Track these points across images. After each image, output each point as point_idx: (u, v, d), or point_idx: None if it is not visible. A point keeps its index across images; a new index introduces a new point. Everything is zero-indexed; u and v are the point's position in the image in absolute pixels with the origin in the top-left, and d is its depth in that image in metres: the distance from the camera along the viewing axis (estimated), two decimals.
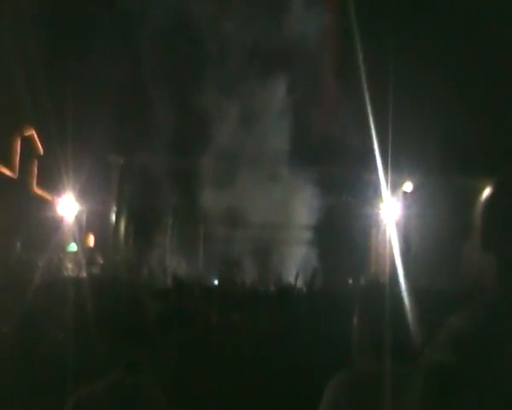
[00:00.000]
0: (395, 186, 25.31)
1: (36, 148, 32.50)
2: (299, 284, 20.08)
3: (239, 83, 25.97)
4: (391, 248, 24.39)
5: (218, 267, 25.73)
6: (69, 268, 23.77)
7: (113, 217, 30.46)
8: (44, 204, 30.91)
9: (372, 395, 2.72)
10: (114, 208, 30.46)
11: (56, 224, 27.54)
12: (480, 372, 1.97)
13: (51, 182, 29.14)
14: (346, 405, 2.85)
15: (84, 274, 19.18)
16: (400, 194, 26.76)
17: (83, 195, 27.95)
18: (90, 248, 29.11)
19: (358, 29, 19.99)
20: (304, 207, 27.70)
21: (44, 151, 32.38)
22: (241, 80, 25.90)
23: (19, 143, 30.47)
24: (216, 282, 18.06)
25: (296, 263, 26.11)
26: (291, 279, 21.95)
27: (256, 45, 26.25)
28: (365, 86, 19.59)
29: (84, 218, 29.76)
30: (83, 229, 29.50)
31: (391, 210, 26.46)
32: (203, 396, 4.62)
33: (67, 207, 28.13)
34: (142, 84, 25.66)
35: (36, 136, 31.97)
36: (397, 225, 25.31)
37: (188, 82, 25.52)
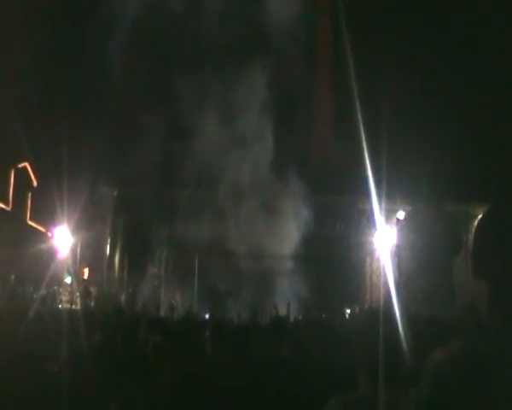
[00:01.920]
0: (389, 214, 25.35)
1: (30, 180, 32.52)
2: (291, 314, 20.05)
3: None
4: (385, 276, 24.39)
5: (211, 300, 25.71)
6: (64, 300, 23.77)
7: (108, 249, 30.41)
8: (39, 236, 30.88)
9: None
10: (108, 240, 30.42)
11: (51, 256, 27.48)
12: None
13: (45, 214, 29.12)
14: None
15: (78, 306, 19.17)
16: (394, 222, 26.80)
17: (77, 227, 27.90)
18: (84, 280, 29.04)
19: (352, 58, 20.11)
20: (298, 237, 27.69)
21: (38, 183, 32.40)
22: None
23: (12, 175, 30.48)
24: (207, 316, 18.05)
25: (290, 294, 26.07)
26: (284, 310, 21.96)
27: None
28: (359, 114, 19.68)
29: (79, 250, 29.71)
30: (77, 261, 29.44)
31: (385, 238, 26.48)
32: None
33: (62, 239, 28.07)
34: (132, 113, 25.73)
35: (30, 168, 32.01)
36: (391, 252, 25.32)
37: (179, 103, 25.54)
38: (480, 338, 2.17)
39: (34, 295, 21.66)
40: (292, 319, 17.66)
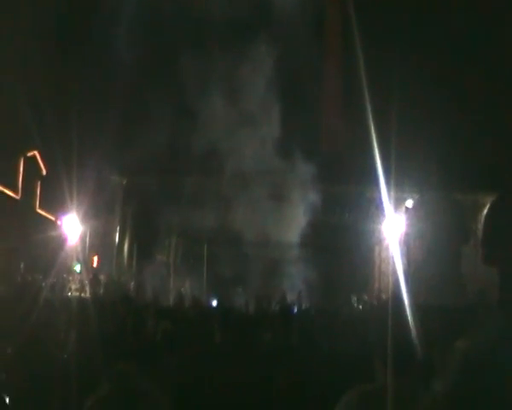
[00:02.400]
0: (398, 203, 25.32)
1: (39, 169, 32.59)
2: (302, 302, 20.10)
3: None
4: (393, 265, 24.38)
5: (220, 288, 25.76)
6: (73, 288, 23.84)
7: (117, 237, 30.46)
8: (48, 225, 30.95)
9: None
10: (117, 229, 30.46)
11: (60, 244, 27.54)
12: (492, 397, 1.99)
13: (54, 202, 29.17)
14: None
15: (87, 294, 19.22)
16: (403, 210, 26.76)
17: (86, 215, 27.93)
18: (93, 268, 29.11)
19: (360, 48, 20.05)
20: (306, 225, 27.66)
21: (47, 172, 32.46)
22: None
23: (22, 164, 30.55)
24: (215, 302, 18.07)
25: (298, 282, 26.11)
26: (292, 298, 21.97)
27: None
28: (368, 103, 19.63)
29: (88, 238, 29.76)
30: (86, 249, 29.51)
31: (393, 227, 26.45)
32: None
33: (71, 227, 28.12)
34: (141, 101, 25.73)
35: (39, 157, 32.07)
36: (399, 241, 25.31)
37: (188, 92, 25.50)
38: (504, 324, 2.15)
39: (43, 284, 21.72)
40: (301, 307, 17.72)
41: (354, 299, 23.92)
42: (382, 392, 2.82)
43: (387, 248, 27.94)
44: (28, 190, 31.27)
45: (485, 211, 26.89)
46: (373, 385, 2.94)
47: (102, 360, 4.57)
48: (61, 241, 28.00)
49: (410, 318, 3.00)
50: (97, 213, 29.12)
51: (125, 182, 30.31)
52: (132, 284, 27.06)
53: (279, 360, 5.39)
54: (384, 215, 26.22)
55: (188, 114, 25.60)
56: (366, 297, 25.19)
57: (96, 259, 30.24)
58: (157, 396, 3.66)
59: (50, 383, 4.33)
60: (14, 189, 29.57)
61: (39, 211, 32.69)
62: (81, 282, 25.38)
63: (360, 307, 22.44)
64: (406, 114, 21.72)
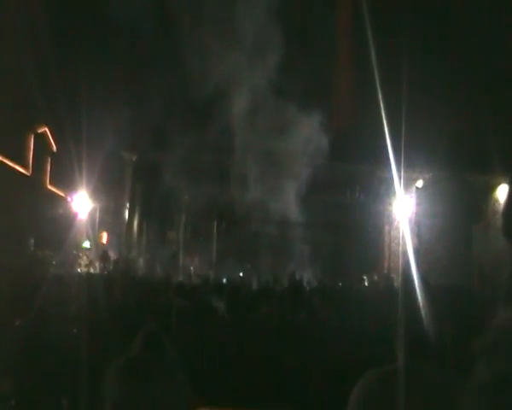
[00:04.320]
0: (408, 183, 25.25)
1: (49, 145, 32.60)
2: (312, 280, 20.09)
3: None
4: (404, 245, 24.33)
5: (230, 265, 25.81)
6: (82, 265, 23.93)
7: (126, 214, 30.51)
8: (58, 201, 31.02)
9: (401, 392, 2.71)
10: (127, 205, 30.51)
11: (70, 221, 27.62)
12: None
13: (64, 179, 29.21)
14: (377, 403, 2.84)
15: (97, 271, 19.30)
16: (413, 190, 26.69)
17: (96, 192, 27.99)
18: (103, 245, 29.19)
19: (371, 26, 19.94)
20: (317, 204, 27.65)
21: (57, 148, 32.49)
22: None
23: (32, 140, 30.57)
24: (224, 280, 18.09)
25: (309, 260, 26.13)
26: (302, 276, 21.97)
27: None
28: (378, 83, 19.55)
29: (98, 215, 29.83)
30: (96, 226, 29.58)
31: (404, 207, 26.41)
32: (218, 386, 4.64)
33: (81, 204, 28.19)
34: (154, 81, 25.67)
35: (49, 133, 32.08)
36: (409, 221, 25.26)
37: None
38: None
39: (53, 260, 21.82)
40: (311, 284, 17.72)
41: (364, 278, 23.91)
42: (402, 374, 2.80)
43: (398, 228, 27.91)
44: (38, 167, 31.29)
45: (496, 193, 26.84)
46: (393, 366, 2.91)
47: (112, 334, 4.58)
48: (70, 217, 28.08)
49: (420, 297, 2.97)
50: (107, 189, 29.17)
51: (134, 158, 30.33)
52: (141, 260, 27.14)
53: (288, 335, 5.39)
54: (394, 195, 26.19)
55: (198, 91, 25.53)
56: (376, 277, 25.18)
57: (105, 235, 30.31)
58: (179, 374, 3.70)
59: (60, 357, 4.34)
60: (24, 165, 29.59)
61: (49, 188, 32.75)
62: (90, 258, 25.48)
63: (371, 286, 22.44)
64: (417, 92, 21.62)
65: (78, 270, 21.60)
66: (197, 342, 5.20)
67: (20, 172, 28.76)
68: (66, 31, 26.34)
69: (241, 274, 24.66)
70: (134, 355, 3.63)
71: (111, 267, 22.86)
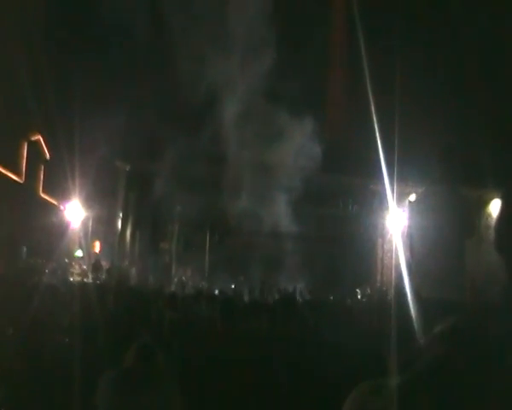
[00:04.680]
0: (401, 196, 25.34)
1: (42, 153, 32.58)
2: (304, 292, 20.09)
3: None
4: (397, 258, 24.37)
5: (222, 277, 25.79)
6: (75, 273, 23.89)
7: (119, 223, 30.48)
8: (50, 210, 30.98)
9: (393, 405, 2.71)
10: (120, 215, 30.48)
11: (62, 230, 27.59)
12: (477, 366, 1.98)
13: (57, 187, 29.19)
14: None
15: (89, 280, 19.28)
16: (406, 204, 26.78)
17: (89, 201, 27.97)
18: (95, 254, 29.15)
19: (364, 39, 20.05)
20: (310, 217, 27.70)
21: (51, 156, 32.47)
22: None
23: (25, 148, 30.54)
24: (217, 291, 18.07)
25: (302, 273, 26.11)
26: (295, 288, 21.98)
27: None
28: (371, 97, 19.64)
29: (90, 224, 29.80)
30: (89, 235, 29.55)
31: (397, 220, 26.49)
32: (209, 397, 4.64)
33: (73, 213, 28.17)
34: (148, 90, 25.70)
35: (42, 141, 32.07)
36: (402, 234, 25.32)
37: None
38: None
39: (46, 269, 21.77)
40: (303, 297, 17.71)
41: (358, 291, 23.94)
42: (392, 386, 2.80)
43: (391, 241, 27.97)
44: (31, 175, 31.25)
45: (489, 208, 26.91)
46: (385, 379, 2.91)
47: (105, 344, 4.59)
48: (63, 226, 28.05)
49: (412, 311, 2.99)
50: (100, 198, 29.14)
51: (128, 168, 30.32)
52: (134, 270, 27.11)
53: (280, 348, 5.39)
54: (387, 208, 26.25)
55: (192, 102, 25.56)
56: (369, 290, 25.21)
57: (98, 245, 30.27)
58: (172, 376, 3.72)
59: (53, 366, 4.34)
60: (17, 173, 29.55)
61: (42, 196, 32.71)
62: (83, 267, 25.45)
63: (363, 299, 22.47)
64: (410, 107, 21.72)
65: (71, 279, 21.54)
66: (189, 354, 5.21)
67: (12, 179, 28.71)
68: (60, 39, 26.37)
69: (232, 286, 24.63)
70: (127, 366, 3.64)
71: (103, 276, 22.84)
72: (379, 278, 29.29)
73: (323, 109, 31.60)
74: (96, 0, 26.36)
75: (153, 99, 25.67)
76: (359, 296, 23.19)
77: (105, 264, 26.27)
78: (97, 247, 30.12)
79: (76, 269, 24.87)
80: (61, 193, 29.00)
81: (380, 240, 29.85)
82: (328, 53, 32.94)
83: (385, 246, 29.36)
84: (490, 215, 26.60)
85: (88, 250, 28.45)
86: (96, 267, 24.48)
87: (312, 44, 28.02)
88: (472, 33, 26.18)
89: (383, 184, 20.15)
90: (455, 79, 26.91)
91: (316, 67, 28.71)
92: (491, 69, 26.58)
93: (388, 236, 28.46)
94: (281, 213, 26.54)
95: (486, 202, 27.34)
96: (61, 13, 27.06)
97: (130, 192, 30.51)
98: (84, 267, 25.36)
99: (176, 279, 26.97)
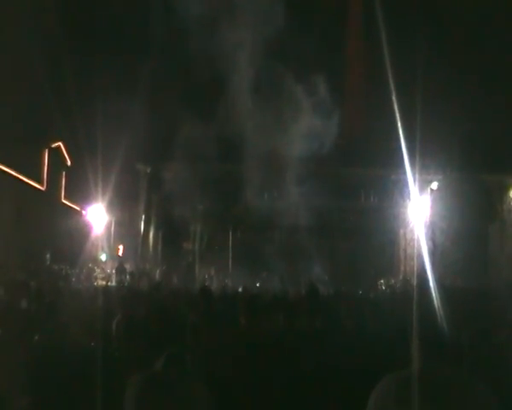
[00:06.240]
0: (422, 185, 25.19)
1: (63, 159, 32.78)
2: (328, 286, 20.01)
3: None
4: (419, 248, 24.24)
5: (246, 274, 25.76)
6: (99, 277, 24.00)
7: (142, 226, 30.54)
8: (73, 215, 31.16)
9: (418, 396, 2.70)
10: (142, 217, 30.55)
11: (85, 234, 27.74)
12: None
13: (79, 193, 29.35)
14: (395, 407, 2.83)
15: (113, 283, 19.37)
16: (428, 192, 26.60)
17: (111, 205, 28.07)
18: (119, 257, 29.27)
19: (385, 30, 19.90)
20: (332, 210, 27.65)
21: (72, 162, 32.64)
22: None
23: (46, 155, 30.73)
24: (240, 289, 18.03)
25: (324, 266, 26.05)
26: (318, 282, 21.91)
27: None
28: (392, 87, 19.51)
29: (113, 228, 29.92)
30: (111, 239, 29.67)
31: (418, 209, 26.33)
32: (238, 397, 4.63)
33: (96, 217, 28.30)
34: (168, 94, 25.74)
35: (63, 147, 32.25)
36: (424, 223, 25.18)
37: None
38: None
39: (69, 273, 21.91)
40: (326, 292, 17.67)
41: (381, 283, 23.84)
42: (419, 378, 2.78)
43: (413, 231, 27.82)
44: (53, 182, 31.46)
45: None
46: (410, 371, 2.89)
47: (131, 348, 4.60)
48: (86, 231, 28.19)
49: (437, 300, 2.96)
50: (122, 202, 29.25)
51: (149, 170, 30.37)
52: (158, 272, 27.18)
53: (307, 344, 5.38)
54: (409, 198, 26.10)
55: (212, 102, 25.58)
56: (393, 281, 25.10)
57: (121, 248, 30.40)
58: (200, 388, 3.72)
59: (78, 370, 4.36)
60: (39, 180, 29.75)
61: (64, 202, 32.90)
62: (107, 271, 25.57)
63: (387, 290, 22.38)
64: (430, 95, 21.57)
65: (95, 283, 21.65)
66: (216, 353, 5.21)
67: (35, 187, 28.92)
68: (80, 46, 26.50)
69: (257, 284, 24.58)
70: (155, 370, 3.65)
71: (127, 279, 22.92)
72: (402, 268, 29.13)
73: (343, 101, 31.49)
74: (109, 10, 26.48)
75: (171, 101, 25.70)
76: (383, 287, 23.10)
77: (128, 267, 26.37)
78: (120, 250, 30.24)
79: (100, 273, 24.99)
80: (83, 198, 29.17)
81: (402, 230, 29.70)
82: (346, 42, 32.88)
83: (407, 236, 29.21)
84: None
85: (111, 254, 28.59)
86: (119, 271, 24.59)
87: (330, 36, 27.94)
88: (493, 18, 26.01)
89: (404, 173, 20.03)
90: (476, 65, 26.72)
91: (335, 59, 28.62)
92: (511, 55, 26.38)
93: (410, 225, 28.30)
94: (302, 208, 26.44)
95: (508, 187, 27.11)
96: (81, 20, 27.22)
97: (151, 194, 30.55)
98: (108, 271, 25.49)
99: (200, 279, 26.98)
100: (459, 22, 27.25)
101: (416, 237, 26.79)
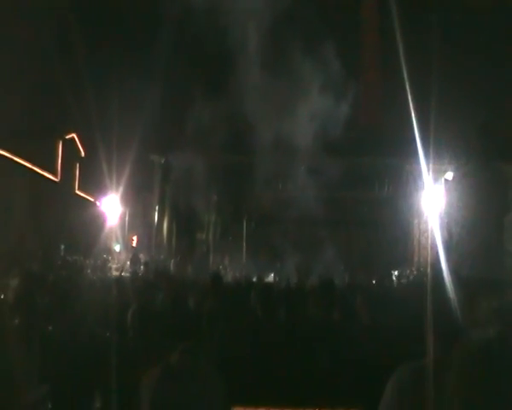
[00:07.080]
0: (437, 175, 25.08)
1: (77, 151, 32.88)
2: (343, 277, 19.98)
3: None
4: (433, 238, 24.13)
5: (259, 265, 25.75)
6: (113, 268, 24.06)
7: (156, 216, 30.60)
8: (87, 206, 31.26)
9: (433, 386, 2.69)
10: (156, 208, 30.60)
11: (99, 225, 27.81)
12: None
13: (93, 184, 29.44)
14: (410, 397, 2.83)
15: (127, 273, 19.40)
16: (442, 182, 26.47)
17: (125, 195, 28.13)
18: (133, 247, 29.35)
19: (399, 17, 19.79)
20: (346, 200, 27.61)
21: (86, 153, 32.74)
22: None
23: (60, 146, 30.83)
24: (255, 279, 18.04)
25: (338, 257, 26.01)
26: (332, 274, 21.89)
27: None
28: (406, 75, 19.42)
29: (127, 218, 30.00)
30: (126, 229, 29.75)
31: (433, 199, 26.22)
32: (253, 386, 4.64)
33: (110, 208, 28.36)
34: (182, 84, 25.70)
35: (77, 138, 32.34)
36: (439, 214, 25.07)
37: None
38: None
39: (84, 264, 21.95)
40: (340, 282, 17.64)
41: (395, 273, 23.75)
42: (435, 368, 2.78)
43: (427, 222, 27.70)
44: (67, 173, 31.58)
45: None
46: (425, 361, 2.89)
47: (145, 338, 4.61)
48: (100, 222, 28.27)
49: (452, 291, 2.95)
50: (136, 193, 29.32)
51: (163, 161, 30.39)
52: (172, 262, 27.22)
53: (322, 334, 5.37)
54: (423, 188, 25.99)
55: (226, 91, 25.52)
56: (408, 271, 25.02)
57: (135, 238, 30.48)
58: (215, 377, 3.73)
59: (93, 360, 4.38)
60: (53, 172, 29.87)
61: (78, 193, 33.01)
62: (121, 261, 25.63)
63: (402, 281, 22.31)
64: (445, 82, 21.44)
65: (109, 274, 21.71)
66: (231, 342, 5.22)
67: (49, 179, 29.02)
68: (93, 37, 26.51)
69: (272, 275, 24.57)
70: (171, 362, 3.67)
71: (142, 269, 22.98)
72: (416, 259, 29.05)
73: (358, 91, 31.37)
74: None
75: (184, 91, 25.68)
76: (397, 278, 23.00)
77: (143, 257, 26.43)
78: (135, 241, 30.32)
79: (114, 264, 25.05)
80: (97, 189, 29.24)
81: (416, 221, 29.60)
82: (361, 32, 32.76)
83: (421, 226, 29.11)
84: None
85: (126, 244, 28.67)
86: (134, 261, 24.64)
87: (345, 25, 27.85)
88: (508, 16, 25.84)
89: (418, 163, 19.93)
90: (491, 52, 26.56)
91: (350, 49, 28.52)
92: None
93: (425, 216, 28.19)
94: (316, 199, 26.39)
95: None
96: (95, 12, 27.24)
97: (165, 185, 30.58)
98: (123, 261, 25.54)
99: (213, 269, 27.01)
100: (479, 8, 27.08)
101: (430, 227, 26.69)
